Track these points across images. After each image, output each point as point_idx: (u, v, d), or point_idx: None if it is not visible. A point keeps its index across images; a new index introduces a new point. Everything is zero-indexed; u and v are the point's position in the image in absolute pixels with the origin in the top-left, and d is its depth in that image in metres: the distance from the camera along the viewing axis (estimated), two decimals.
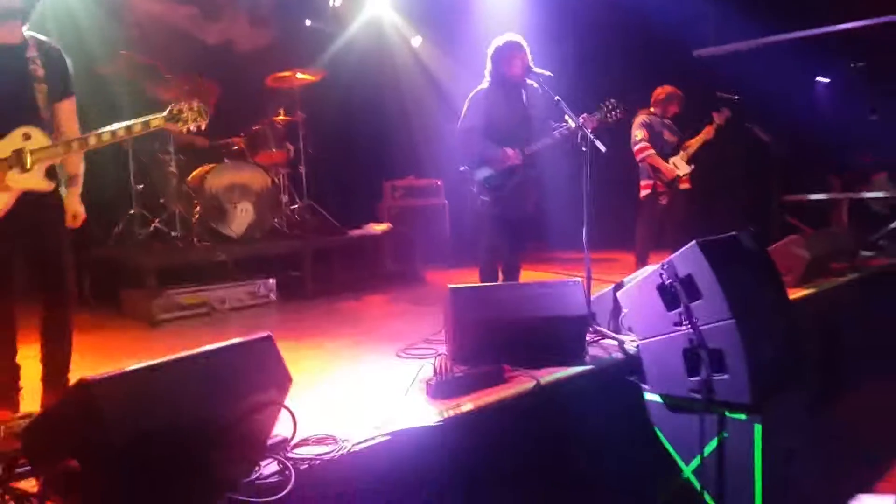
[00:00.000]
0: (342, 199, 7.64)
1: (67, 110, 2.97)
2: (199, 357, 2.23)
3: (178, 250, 5.63)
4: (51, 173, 2.89)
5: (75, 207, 3.05)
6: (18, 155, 2.74)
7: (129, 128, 2.88)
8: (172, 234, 5.83)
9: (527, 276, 5.70)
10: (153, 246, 5.77)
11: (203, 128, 3.00)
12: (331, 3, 7.97)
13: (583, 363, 3.34)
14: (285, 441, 2.36)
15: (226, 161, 6.08)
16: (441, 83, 8.25)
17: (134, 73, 5.96)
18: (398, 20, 8.46)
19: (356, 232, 6.79)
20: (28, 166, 2.75)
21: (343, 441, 2.38)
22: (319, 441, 2.41)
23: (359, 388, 3.18)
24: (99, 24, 6.30)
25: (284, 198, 6.56)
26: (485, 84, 4.52)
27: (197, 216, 5.83)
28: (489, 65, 4.46)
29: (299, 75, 6.61)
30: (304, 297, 5.91)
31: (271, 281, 5.76)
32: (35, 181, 2.80)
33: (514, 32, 4.48)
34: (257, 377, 2.36)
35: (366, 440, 2.40)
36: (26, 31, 2.86)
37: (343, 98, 7.93)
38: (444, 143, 6.88)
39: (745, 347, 2.97)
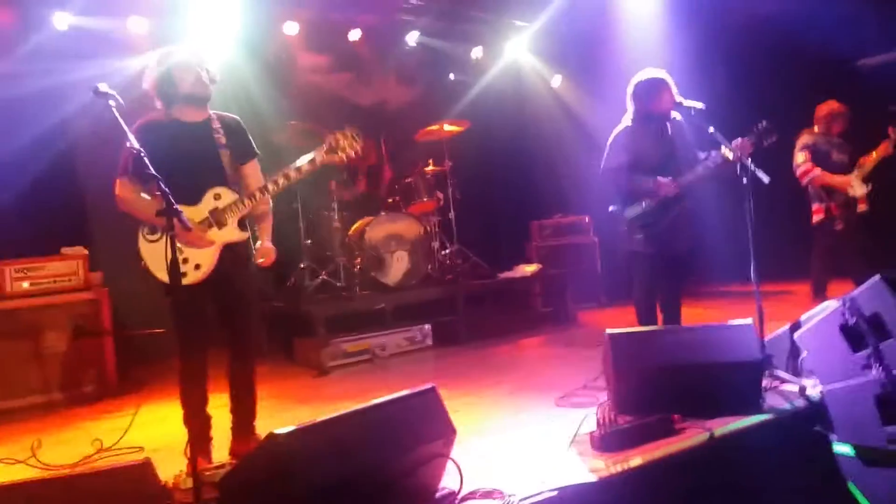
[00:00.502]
0: (491, 242, 7.78)
1: (253, 169, 3.34)
2: (371, 410, 2.37)
3: (343, 300, 5.99)
4: (242, 225, 3.23)
5: (266, 245, 3.34)
6: (214, 213, 3.12)
7: (298, 168, 3.18)
8: (338, 284, 6.23)
9: (689, 313, 5.46)
10: (321, 297, 6.19)
11: (359, 151, 3.23)
12: (473, 57, 8.26)
13: (760, 412, 3.11)
14: (453, 494, 2.42)
15: (382, 213, 6.43)
16: (583, 119, 8.22)
17: (301, 139, 6.51)
18: (536, 62, 8.59)
19: (506, 274, 6.86)
20: (225, 222, 3.12)
21: (510, 496, 2.39)
22: (486, 495, 2.43)
23: (520, 439, 3.17)
24: (270, 97, 7.00)
25: (436, 244, 6.79)
26: (627, 122, 4.43)
27: (358, 266, 6.19)
28: (632, 102, 4.36)
29: (447, 127, 6.87)
30: (459, 342, 6.05)
31: (427, 327, 5.97)
32: (232, 234, 3.15)
33: (658, 66, 4.38)
34: (424, 429, 2.45)
35: (532, 496, 2.39)
36: (209, 110, 3.29)
37: (487, 143, 8.14)
38: (589, 179, 6.80)
39: None
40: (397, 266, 6.30)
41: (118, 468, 2.22)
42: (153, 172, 2.59)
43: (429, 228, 6.65)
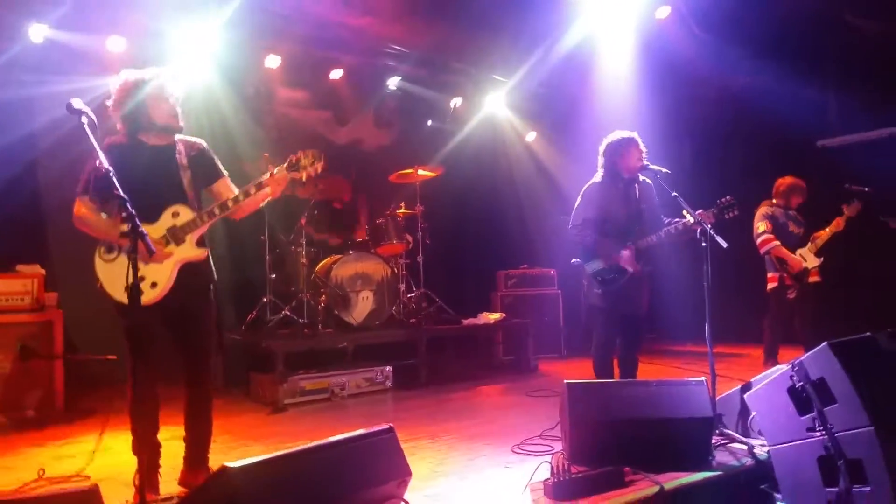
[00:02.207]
0: (457, 288, 7.83)
1: (223, 188, 3.33)
2: (327, 447, 2.36)
3: (305, 337, 5.94)
4: (201, 243, 3.21)
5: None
6: (172, 230, 3.11)
7: (259, 184, 3.17)
8: (300, 320, 6.18)
9: (644, 369, 5.55)
10: (282, 332, 6.13)
11: (320, 171, 3.24)
12: (451, 105, 8.45)
13: (710, 468, 3.19)
14: None
15: (350, 252, 6.45)
16: (554, 176, 8.47)
17: None
18: (513, 117, 8.82)
19: (470, 321, 6.90)
20: (183, 240, 3.11)
21: None
22: None
23: (476, 484, 3.18)
24: (246, 127, 7.05)
25: (402, 286, 6.81)
26: (598, 178, 4.59)
27: (323, 304, 6.17)
28: (602, 159, 4.54)
29: (420, 171, 6.98)
30: (419, 385, 6.03)
31: (388, 368, 5.95)
32: (189, 251, 3.13)
33: (629, 129, 4.57)
34: (379, 469, 2.45)
35: None
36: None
37: (459, 191, 8.28)
38: (557, 233, 6.96)
39: (886, 458, 2.72)
40: (362, 305, 6.30)
41: (63, 494, 2.17)
42: (121, 193, 2.58)
43: (396, 270, 6.69)
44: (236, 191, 3.27)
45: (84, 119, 2.87)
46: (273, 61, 7.04)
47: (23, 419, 4.71)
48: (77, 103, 2.90)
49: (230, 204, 3.15)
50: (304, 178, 3.24)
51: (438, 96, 8.36)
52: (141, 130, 3.18)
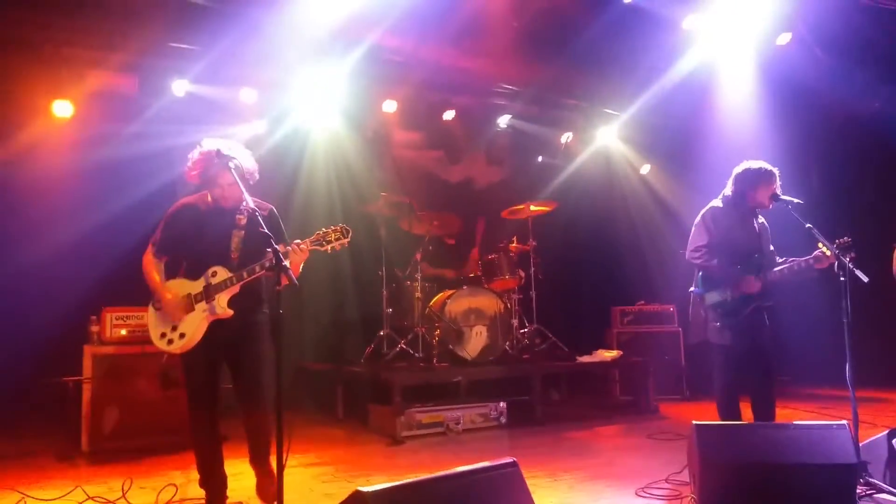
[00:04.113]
0: (571, 324, 7.70)
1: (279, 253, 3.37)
2: (455, 476, 2.38)
3: (421, 370, 6.04)
4: (240, 301, 3.36)
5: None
6: (207, 289, 3.36)
7: (284, 254, 3.16)
8: (416, 354, 6.30)
9: (778, 413, 5.20)
10: (399, 365, 6.26)
11: (346, 245, 3.31)
12: (562, 140, 8.46)
13: None
14: None
15: (464, 287, 6.53)
16: (672, 208, 8.18)
17: (392, 210, 6.80)
18: (626, 150, 8.67)
19: (585, 358, 6.74)
20: (213, 298, 3.33)
21: None
22: None
23: None
24: (367, 168, 7.39)
25: (515, 322, 6.80)
26: (717, 202, 4.41)
27: (437, 338, 6.26)
28: (732, 185, 4.33)
29: (533, 207, 6.99)
30: (534, 423, 5.94)
31: (502, 404, 5.91)
32: (219, 310, 3.34)
33: (752, 159, 4.38)
34: (504, 502, 2.43)
35: None
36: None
37: (572, 226, 8.21)
38: (676, 268, 6.72)
39: None
40: (476, 340, 6.33)
41: None
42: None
43: (509, 306, 6.69)
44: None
45: (231, 164, 3.15)
46: (390, 106, 7.36)
47: (168, 443, 4.97)
48: (224, 149, 3.18)
49: (257, 269, 3.28)
50: (329, 251, 3.35)
51: (549, 132, 8.40)
52: (210, 193, 3.45)
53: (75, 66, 6.08)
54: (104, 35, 5.96)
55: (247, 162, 3.42)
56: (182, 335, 3.33)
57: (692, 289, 4.42)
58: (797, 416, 5.77)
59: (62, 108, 6.14)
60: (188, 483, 3.92)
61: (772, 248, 4.39)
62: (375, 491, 2.17)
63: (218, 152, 3.33)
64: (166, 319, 3.37)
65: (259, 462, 3.45)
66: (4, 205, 5.99)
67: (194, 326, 3.34)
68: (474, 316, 6.38)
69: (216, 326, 3.35)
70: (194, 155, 3.41)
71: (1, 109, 5.97)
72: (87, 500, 3.70)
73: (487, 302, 6.46)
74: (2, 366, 5.86)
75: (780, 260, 4.22)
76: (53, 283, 5.98)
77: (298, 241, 3.32)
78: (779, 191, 4.19)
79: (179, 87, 6.40)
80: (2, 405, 5.86)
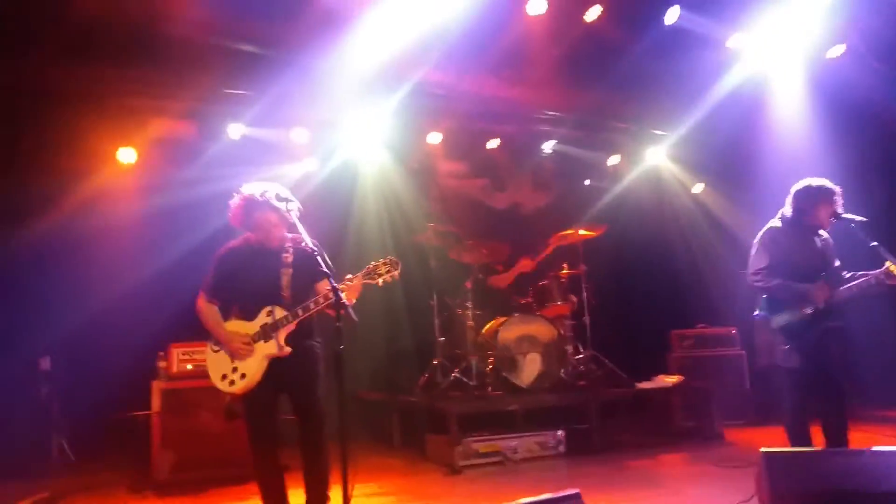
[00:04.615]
0: (627, 349, 7.54)
1: (324, 287, 3.41)
2: None
3: (475, 399, 6.03)
4: (294, 338, 3.44)
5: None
6: (264, 328, 3.44)
7: (336, 290, 3.20)
8: (470, 383, 6.29)
9: (853, 437, 4.98)
10: (454, 394, 6.26)
11: (396, 277, 3.41)
12: (609, 163, 8.41)
13: None
14: None
15: (516, 315, 6.50)
16: (728, 227, 7.99)
17: (440, 240, 6.86)
18: (676, 170, 8.55)
19: (645, 384, 6.61)
20: (271, 337, 3.42)
21: None
22: None
23: None
24: (414, 200, 7.51)
25: (569, 348, 6.72)
26: (776, 222, 4.30)
27: (491, 366, 6.24)
28: (792, 204, 4.22)
29: (581, 232, 6.95)
30: (592, 451, 5.83)
31: (560, 433, 5.82)
32: (274, 349, 3.41)
33: (808, 176, 4.28)
34: None
35: None
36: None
37: (623, 249, 8.10)
38: (736, 289, 6.56)
39: None
40: (530, 368, 6.28)
41: None
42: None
43: (563, 332, 6.63)
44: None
45: (291, 206, 3.27)
46: (435, 137, 7.48)
47: (232, 475, 5.08)
48: (284, 192, 3.31)
49: (312, 306, 3.37)
50: (380, 284, 3.41)
51: (595, 155, 8.37)
52: (254, 235, 3.55)
53: (138, 115, 6.42)
54: (164, 85, 6.27)
55: (287, 199, 3.51)
56: (243, 376, 3.42)
57: (756, 313, 4.30)
58: (872, 441, 5.50)
59: (126, 155, 6.47)
60: None
61: (837, 263, 4.25)
62: None
63: (261, 195, 3.44)
64: (225, 361, 3.46)
65: (315, 491, 3.47)
66: (75, 250, 6.29)
67: (255, 367, 3.43)
68: (527, 343, 6.33)
69: (273, 363, 3.44)
70: (235, 200, 3.53)
71: (70, 159, 6.29)
72: None
73: (540, 329, 6.41)
74: (77, 403, 6.14)
75: (848, 275, 4.08)
76: (123, 323, 6.24)
77: (350, 276, 3.40)
78: (840, 209, 4.07)
79: (235, 130, 6.66)
80: (78, 439, 6.13)
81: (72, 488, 5.08)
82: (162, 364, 5.41)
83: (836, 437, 4.04)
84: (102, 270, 6.25)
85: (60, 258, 6.28)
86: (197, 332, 5.01)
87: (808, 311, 4.06)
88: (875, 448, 3.15)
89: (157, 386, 5.29)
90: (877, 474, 3.02)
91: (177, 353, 5.41)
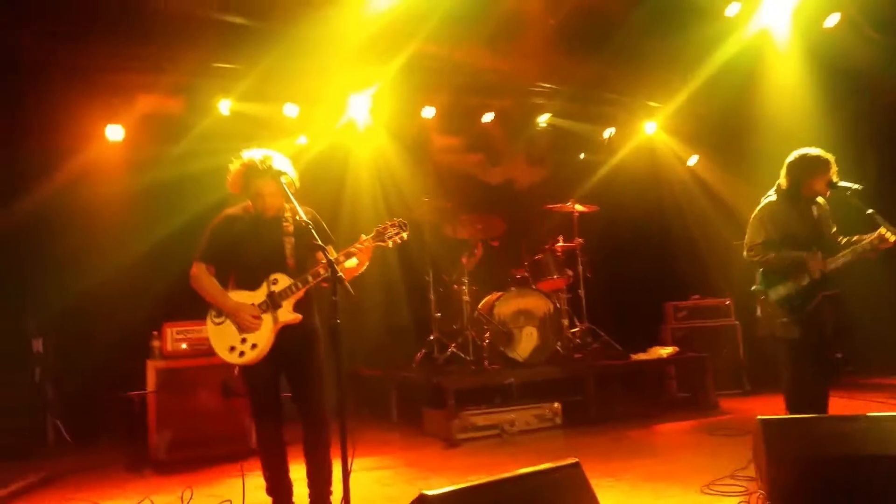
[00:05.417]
0: (623, 321, 7.58)
1: (320, 257, 3.32)
2: (519, 479, 2.37)
3: (473, 373, 6.04)
4: (298, 307, 3.37)
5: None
6: (271, 296, 3.35)
7: (348, 253, 3.29)
8: (466, 357, 6.30)
9: (841, 404, 5.04)
10: (451, 369, 6.27)
11: (405, 238, 3.36)
12: (605, 136, 8.35)
13: None
14: None
15: (512, 289, 6.50)
16: (723, 198, 7.97)
17: (434, 215, 6.82)
18: (672, 142, 8.50)
19: (640, 356, 6.63)
20: (280, 305, 3.33)
21: None
22: None
23: None
24: (409, 175, 7.44)
25: (565, 322, 6.73)
26: (773, 196, 4.28)
27: (487, 341, 6.25)
28: (787, 175, 4.20)
29: (577, 207, 6.91)
30: (589, 423, 5.87)
31: (556, 405, 5.85)
32: (286, 315, 3.34)
33: (804, 146, 4.24)
34: (570, 503, 2.41)
35: None
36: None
37: (618, 221, 8.09)
38: (731, 260, 6.56)
39: None
40: (526, 342, 6.30)
41: None
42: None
43: (558, 305, 6.63)
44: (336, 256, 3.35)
45: (283, 178, 3.21)
46: (429, 112, 7.39)
47: (229, 452, 5.08)
48: (266, 158, 3.26)
49: (321, 272, 3.29)
50: (389, 246, 3.37)
51: (590, 128, 8.30)
52: (253, 203, 3.45)
53: (125, 91, 6.30)
54: (152, 59, 6.14)
55: (287, 170, 3.44)
56: (254, 346, 3.31)
57: (754, 287, 4.30)
58: (866, 408, 5.56)
59: (114, 132, 6.36)
60: (256, 489, 4.00)
61: (834, 229, 4.23)
62: (440, 494, 2.17)
63: (260, 162, 3.36)
64: (231, 332, 3.34)
65: (319, 502, 3.40)
66: (64, 228, 6.21)
67: (265, 336, 3.34)
68: (524, 317, 6.34)
69: (280, 334, 3.36)
70: (235, 166, 3.44)
71: (57, 136, 6.20)
72: None
73: (536, 302, 6.42)
74: (72, 383, 6.12)
75: (844, 241, 4.08)
76: (115, 302, 6.20)
77: (364, 236, 3.36)
78: (835, 177, 4.05)
79: (225, 105, 6.56)
80: (74, 420, 6.11)
81: (69, 469, 5.06)
82: (156, 343, 5.38)
83: (820, 404, 4.07)
84: (92, 249, 6.18)
85: (49, 237, 6.21)
86: (191, 310, 5.04)
87: (804, 282, 4.06)
88: (870, 414, 3.16)
89: (151, 365, 5.26)
90: (872, 439, 3.03)
91: (171, 332, 5.38)
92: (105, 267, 6.12)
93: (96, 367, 6.05)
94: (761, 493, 3.22)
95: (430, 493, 2.17)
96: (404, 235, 3.38)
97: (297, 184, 3.44)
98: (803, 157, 4.12)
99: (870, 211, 3.76)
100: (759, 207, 4.29)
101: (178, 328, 5.40)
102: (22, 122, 6.09)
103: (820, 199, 4.23)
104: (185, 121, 6.50)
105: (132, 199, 6.40)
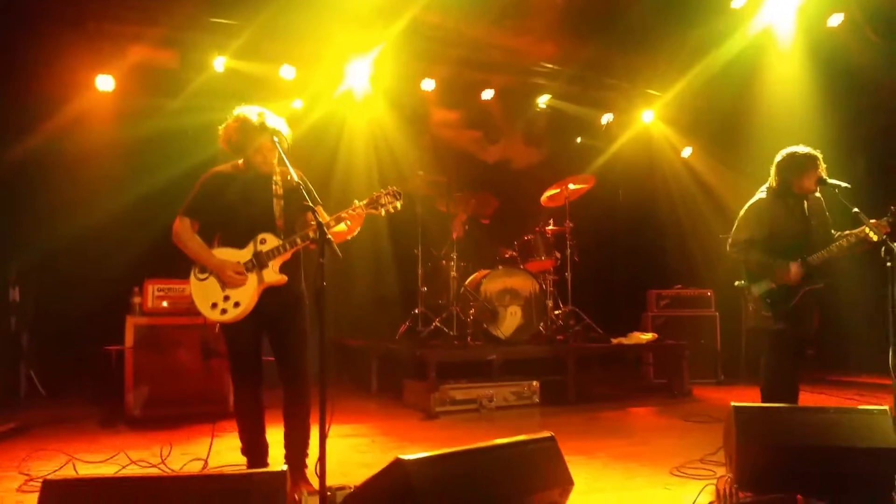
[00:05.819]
0: (606, 306, 7.65)
1: (310, 218, 3.26)
2: (496, 448, 2.40)
3: (455, 348, 6.08)
4: (285, 269, 3.33)
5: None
6: (258, 256, 3.30)
7: (338, 218, 3.26)
8: (450, 332, 6.33)
9: (813, 399, 5.11)
10: (434, 343, 6.31)
11: (398, 208, 3.33)
12: (602, 121, 8.34)
13: None
14: None
15: (499, 267, 6.52)
16: (714, 191, 8.01)
17: (428, 189, 6.80)
18: (668, 132, 8.51)
19: (620, 340, 6.70)
20: (266, 265, 3.29)
21: None
22: None
23: (635, 501, 3.08)
24: (405, 147, 7.40)
25: (550, 303, 6.77)
26: (763, 193, 4.31)
27: (471, 317, 6.28)
28: (776, 174, 4.24)
29: (571, 185, 6.90)
30: (566, 402, 5.94)
31: (535, 383, 5.92)
32: (272, 276, 3.30)
33: (797, 143, 4.27)
34: (545, 475, 2.45)
35: None
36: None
37: (610, 208, 8.13)
38: (715, 252, 6.61)
39: None
40: (510, 320, 6.34)
41: (255, 474, 2.30)
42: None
43: (544, 287, 6.66)
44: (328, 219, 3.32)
45: (276, 137, 3.18)
46: (429, 84, 7.32)
47: (204, 412, 5.05)
48: (270, 122, 3.21)
49: (311, 234, 3.24)
50: (382, 214, 3.34)
51: (589, 112, 8.28)
52: (245, 160, 3.39)
53: (117, 41, 6.18)
54: (145, 10, 6.04)
55: (281, 128, 3.39)
56: (237, 304, 3.27)
57: (739, 282, 4.35)
58: (836, 403, 5.67)
59: (104, 83, 6.25)
60: (229, 450, 4.03)
61: (829, 223, 4.26)
62: (416, 459, 2.19)
63: (255, 118, 3.31)
64: (214, 288, 3.29)
65: (295, 464, 3.38)
66: (49, 179, 6.14)
67: (249, 295, 3.29)
68: (509, 296, 6.38)
69: (264, 296, 3.33)
70: (230, 121, 3.38)
71: (45, 85, 6.09)
72: (130, 464, 3.82)
73: (523, 282, 6.45)
74: (50, 335, 6.07)
75: (837, 234, 4.13)
76: (98, 256, 6.15)
77: (357, 201, 3.32)
78: (824, 174, 4.08)
79: (219, 62, 6.45)
80: (48, 372, 6.08)
81: (41, 420, 5.04)
82: (136, 299, 5.35)
83: (792, 395, 4.13)
84: (78, 199, 6.11)
85: (34, 185, 6.14)
86: (175, 268, 5.01)
87: (781, 282, 4.12)
88: (836, 407, 3.23)
89: (130, 321, 5.23)
90: (839, 430, 3.09)
91: (152, 289, 5.35)
92: (90, 218, 6.06)
93: (74, 320, 6.01)
94: (729, 477, 3.27)
95: (406, 457, 2.20)
96: (398, 205, 3.35)
97: (289, 141, 3.38)
98: (792, 156, 4.15)
99: (855, 210, 3.79)
100: (748, 205, 4.32)
101: (160, 285, 5.37)
102: (10, 68, 5.96)
103: (816, 193, 4.25)
104: (179, 75, 6.40)
105: (121, 150, 6.33)
